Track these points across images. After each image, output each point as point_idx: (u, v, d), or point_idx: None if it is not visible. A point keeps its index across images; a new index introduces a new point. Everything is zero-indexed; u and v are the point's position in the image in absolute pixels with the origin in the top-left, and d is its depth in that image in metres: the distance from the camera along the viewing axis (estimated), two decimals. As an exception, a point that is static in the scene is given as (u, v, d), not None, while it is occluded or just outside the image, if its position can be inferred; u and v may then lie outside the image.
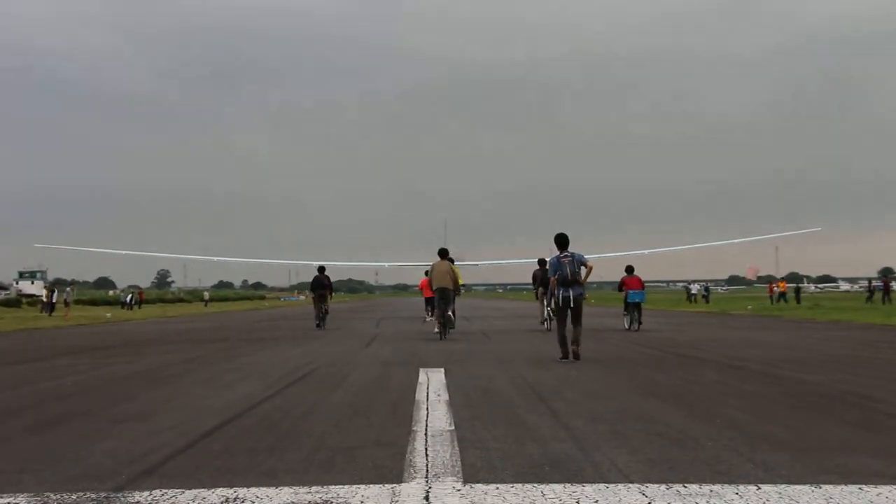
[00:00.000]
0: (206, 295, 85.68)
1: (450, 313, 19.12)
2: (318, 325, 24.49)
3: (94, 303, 76.69)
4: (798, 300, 50.69)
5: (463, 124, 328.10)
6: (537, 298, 22.83)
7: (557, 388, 8.90)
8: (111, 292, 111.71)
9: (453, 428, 6.40)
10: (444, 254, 19.68)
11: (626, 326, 21.48)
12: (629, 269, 22.35)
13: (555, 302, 12.85)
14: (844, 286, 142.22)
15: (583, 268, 12.77)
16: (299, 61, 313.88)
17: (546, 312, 21.09)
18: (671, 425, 6.46)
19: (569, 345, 12.53)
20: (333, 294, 27.15)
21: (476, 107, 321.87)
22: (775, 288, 53.64)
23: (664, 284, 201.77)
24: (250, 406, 7.86)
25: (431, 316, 25.17)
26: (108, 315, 43.07)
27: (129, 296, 66.98)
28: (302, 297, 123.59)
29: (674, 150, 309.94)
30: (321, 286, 25.32)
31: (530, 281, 23.63)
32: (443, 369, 10.95)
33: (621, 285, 22.21)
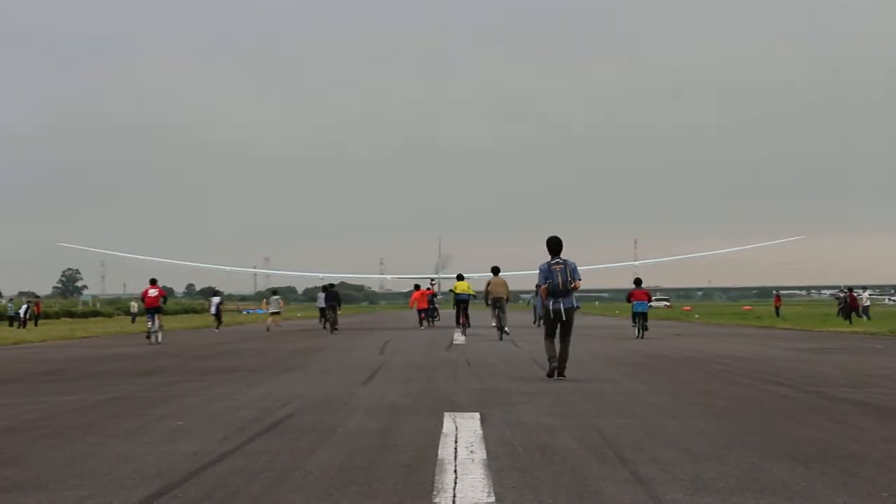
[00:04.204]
0: (135, 307, 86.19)
1: (504, 317, 32.83)
2: (326, 327, 42.95)
3: (-31, 317, 77.30)
4: None
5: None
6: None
7: (645, 443, 8.93)
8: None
9: (493, 500, 6.47)
10: (496, 271, 34.44)
11: (636, 335, 32.41)
12: (637, 282, 34.71)
13: (545, 314, 15.32)
14: None
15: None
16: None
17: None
18: (815, 499, 6.48)
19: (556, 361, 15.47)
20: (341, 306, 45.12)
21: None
22: None
23: (802, 292, 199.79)
24: (198, 468, 7.95)
25: (423, 326, 46.70)
26: (-8, 335, 43.51)
27: (25, 307, 67.63)
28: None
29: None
30: (335, 299, 43.65)
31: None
32: (478, 414, 11.00)
33: (629, 297, 34.17)
